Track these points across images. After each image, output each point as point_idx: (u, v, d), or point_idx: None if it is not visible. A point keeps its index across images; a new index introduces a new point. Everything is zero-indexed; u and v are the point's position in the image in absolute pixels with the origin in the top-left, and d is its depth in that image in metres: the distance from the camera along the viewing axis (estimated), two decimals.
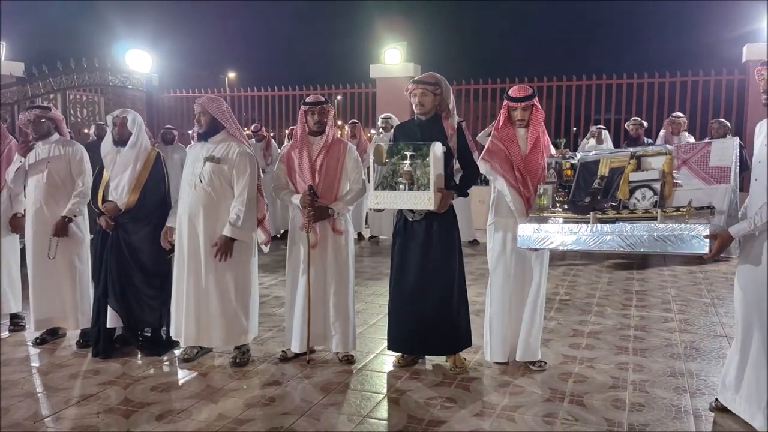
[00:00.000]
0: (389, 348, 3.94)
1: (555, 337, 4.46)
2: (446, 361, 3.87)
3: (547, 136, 3.78)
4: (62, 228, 4.22)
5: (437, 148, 3.52)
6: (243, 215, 3.73)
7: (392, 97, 10.77)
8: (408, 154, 3.55)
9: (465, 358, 3.88)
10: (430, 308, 3.74)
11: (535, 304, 3.75)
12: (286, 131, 9.50)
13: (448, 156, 3.67)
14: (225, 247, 3.73)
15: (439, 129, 3.71)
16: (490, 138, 3.75)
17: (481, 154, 3.71)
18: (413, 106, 3.75)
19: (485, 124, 9.19)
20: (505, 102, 3.69)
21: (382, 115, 8.95)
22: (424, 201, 3.53)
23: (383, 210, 3.83)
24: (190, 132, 9.42)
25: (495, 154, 3.66)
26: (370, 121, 11.22)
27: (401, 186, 3.58)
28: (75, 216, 4.26)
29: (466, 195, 3.83)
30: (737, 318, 3.02)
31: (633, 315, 5.08)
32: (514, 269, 3.72)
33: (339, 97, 11.71)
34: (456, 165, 3.83)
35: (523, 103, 3.63)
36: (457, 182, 3.80)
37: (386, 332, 3.97)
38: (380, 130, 8.75)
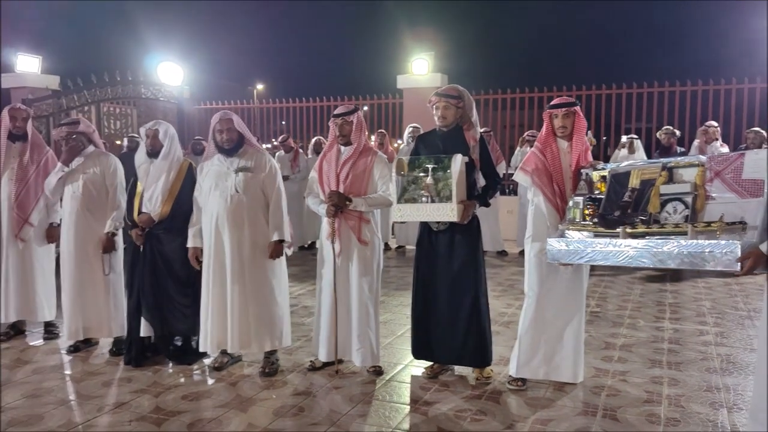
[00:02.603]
0: (414, 356, 3.95)
1: (587, 349, 4.35)
2: (472, 372, 3.84)
3: (588, 152, 3.72)
4: (109, 244, 4.33)
5: (458, 160, 3.53)
6: (284, 218, 3.90)
7: (419, 108, 10.73)
8: (429, 167, 3.57)
9: (492, 370, 3.83)
10: (455, 317, 3.73)
11: (576, 321, 3.63)
12: (311, 142, 9.54)
13: (470, 167, 3.68)
14: (278, 251, 3.90)
15: (461, 140, 3.71)
16: (531, 149, 3.71)
17: (521, 165, 3.68)
18: (435, 118, 3.76)
19: (513, 134, 9.13)
20: (546, 111, 3.65)
21: (410, 127, 8.87)
22: (447, 213, 3.55)
23: (405, 222, 3.85)
24: (204, 143, 9.59)
25: (535, 166, 3.59)
26: (396, 131, 11.24)
27: (423, 198, 3.61)
28: (117, 230, 4.35)
29: (488, 205, 3.82)
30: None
31: (666, 327, 4.98)
32: (551, 285, 3.59)
33: (365, 108, 11.77)
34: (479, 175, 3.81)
35: (564, 109, 3.57)
36: (479, 192, 3.79)
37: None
38: (410, 140, 8.71)
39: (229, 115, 3.95)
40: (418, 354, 3.93)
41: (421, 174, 3.62)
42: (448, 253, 3.74)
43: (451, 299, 3.74)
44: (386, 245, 9.09)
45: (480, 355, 3.77)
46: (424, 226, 3.84)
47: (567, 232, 3.36)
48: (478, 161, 3.73)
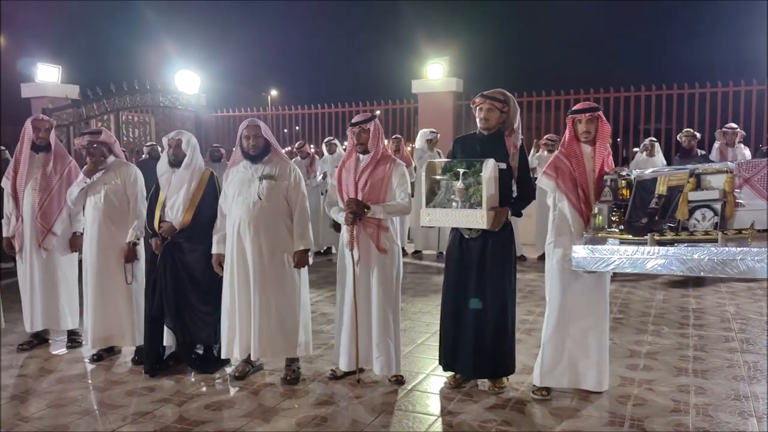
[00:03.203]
0: (443, 367, 3.89)
1: (611, 357, 4.28)
2: (486, 384, 3.80)
3: (610, 157, 3.67)
4: (131, 253, 4.36)
5: (492, 165, 3.47)
6: (309, 226, 3.93)
7: (434, 113, 10.77)
8: (461, 171, 3.51)
9: (506, 379, 3.80)
10: (483, 328, 3.67)
11: (599, 329, 3.59)
12: (323, 145, 9.56)
13: (507, 174, 3.61)
14: (304, 260, 3.92)
15: (500, 146, 3.65)
16: (555, 154, 3.67)
17: (544, 169, 3.60)
18: (477, 120, 3.71)
19: (530, 137, 9.07)
20: (569, 117, 3.60)
21: (429, 132, 8.79)
22: (477, 219, 3.48)
23: (433, 227, 3.81)
24: (222, 150, 9.64)
25: (560, 171, 3.53)
26: (412, 136, 11.24)
27: (454, 204, 3.55)
28: (138, 239, 4.38)
29: (520, 215, 3.76)
30: None
31: (691, 334, 4.90)
32: (574, 292, 3.54)
33: (378, 112, 11.78)
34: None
35: (588, 114, 3.53)
36: (514, 200, 3.72)
37: (436, 351, 3.92)
38: (426, 144, 8.66)
39: (257, 122, 3.98)
40: (446, 366, 3.87)
41: (452, 178, 3.55)
42: (479, 262, 3.67)
43: (481, 310, 3.67)
44: (402, 250, 9.06)
45: (503, 365, 3.74)
46: (456, 233, 3.78)
47: (598, 238, 3.31)
48: (516, 169, 3.67)
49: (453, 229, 3.80)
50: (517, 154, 3.66)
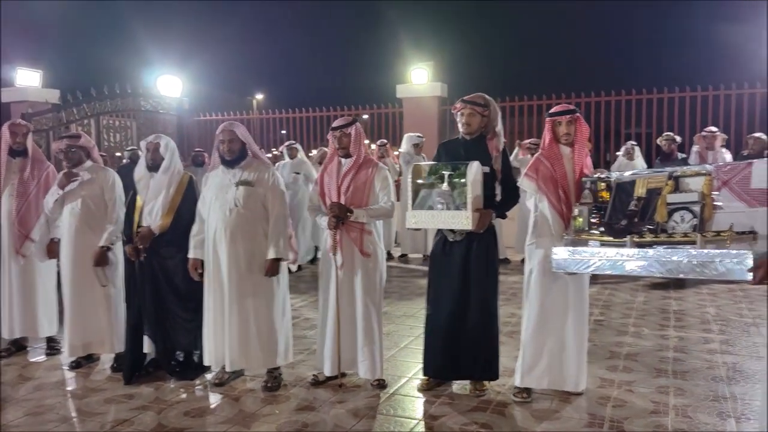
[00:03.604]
0: (425, 373, 3.88)
1: (591, 359, 4.33)
2: (468, 384, 3.81)
3: (589, 158, 3.71)
4: (102, 257, 4.30)
5: (476, 168, 3.50)
6: (284, 235, 3.81)
7: (419, 117, 10.79)
8: (446, 173, 3.54)
9: (487, 382, 3.80)
10: (468, 331, 3.69)
11: (579, 330, 3.61)
12: (316, 153, 9.50)
13: (491, 177, 3.65)
14: (274, 269, 3.83)
15: (483, 149, 3.69)
16: (536, 156, 3.69)
17: (525, 171, 3.63)
18: (459, 125, 3.73)
19: (512, 141, 9.12)
20: (549, 119, 3.63)
21: (416, 137, 8.78)
22: (462, 221, 3.51)
23: (419, 229, 3.82)
24: (205, 154, 9.57)
25: (541, 172, 3.56)
26: (397, 140, 11.25)
27: (439, 206, 3.57)
28: (113, 244, 4.33)
29: (504, 217, 3.79)
30: None
31: (671, 336, 4.94)
32: (553, 293, 3.57)
33: (365, 117, 11.78)
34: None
35: (567, 116, 3.57)
36: (498, 203, 3.75)
37: (419, 355, 3.92)
38: (411, 148, 8.64)
39: (233, 126, 3.90)
40: (430, 371, 3.85)
41: (437, 181, 3.58)
42: (463, 264, 3.69)
43: (465, 311, 3.69)
44: (389, 254, 9.06)
45: (489, 368, 3.74)
46: (440, 236, 3.80)
47: (579, 240, 3.33)
48: (499, 171, 3.70)
49: (437, 232, 3.81)
50: (499, 157, 3.70)
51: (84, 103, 9.84)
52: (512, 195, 3.78)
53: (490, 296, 3.72)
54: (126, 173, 4.86)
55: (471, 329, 3.69)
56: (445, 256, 3.75)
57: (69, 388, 4.03)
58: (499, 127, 3.73)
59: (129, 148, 9.76)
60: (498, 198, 3.74)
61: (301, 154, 8.89)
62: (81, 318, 4.34)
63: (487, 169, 3.60)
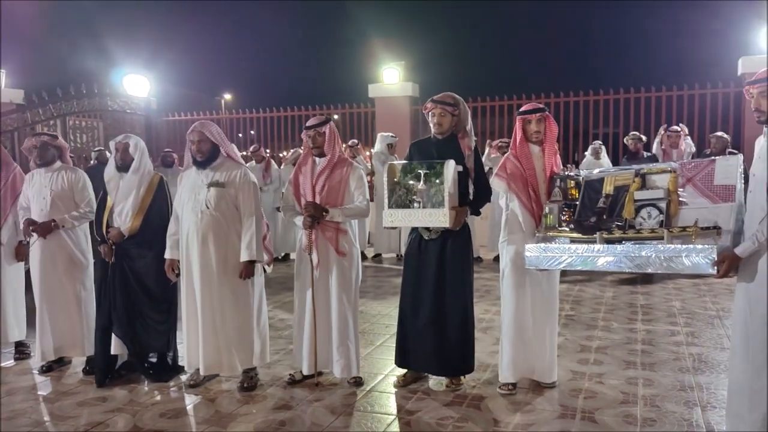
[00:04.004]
0: (398, 364, 3.92)
1: (563, 353, 4.44)
2: (443, 379, 3.86)
3: (558, 156, 3.79)
4: (45, 229, 4.21)
5: (452, 166, 3.55)
6: (256, 237, 3.76)
7: (391, 116, 10.85)
8: (422, 172, 3.57)
9: (463, 377, 3.86)
10: (444, 326, 3.73)
11: (551, 322, 3.72)
12: (289, 154, 9.46)
13: (464, 175, 3.69)
14: (248, 272, 3.78)
15: (455, 148, 3.73)
16: (506, 155, 3.76)
17: (496, 171, 3.70)
18: (431, 125, 3.78)
19: (483, 141, 9.22)
20: (519, 118, 3.70)
21: (389, 137, 8.82)
22: (440, 218, 3.55)
23: (396, 228, 3.84)
24: (174, 155, 9.48)
25: (510, 171, 3.63)
26: (370, 140, 11.28)
27: (416, 204, 3.61)
28: (64, 226, 4.25)
29: (478, 213, 3.84)
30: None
31: (639, 329, 5.07)
32: (526, 288, 3.65)
33: (336, 117, 11.78)
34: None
35: (537, 115, 3.64)
36: (471, 200, 3.79)
37: (394, 352, 3.95)
38: (385, 147, 8.68)
39: (203, 126, 3.85)
40: (401, 362, 3.90)
41: (413, 180, 3.62)
42: (438, 262, 3.73)
43: (441, 308, 3.74)
44: (362, 254, 9.09)
45: (464, 363, 3.79)
46: (415, 234, 3.84)
47: (550, 237, 3.40)
48: (472, 170, 3.75)
49: (412, 230, 3.85)
50: (472, 156, 3.75)
51: (50, 103, 9.62)
52: (485, 192, 3.84)
53: (466, 292, 3.77)
54: (94, 175, 4.79)
55: (447, 325, 3.73)
56: (421, 253, 3.79)
57: (41, 393, 3.96)
58: (470, 126, 3.79)
59: (96, 148, 9.59)
60: (471, 196, 3.79)
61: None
62: (51, 321, 4.27)
63: (460, 167, 3.65)
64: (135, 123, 10.99)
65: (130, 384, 4.00)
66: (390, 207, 3.69)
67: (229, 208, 3.81)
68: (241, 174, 3.85)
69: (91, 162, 9.42)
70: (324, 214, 3.75)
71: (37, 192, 4.31)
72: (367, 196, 3.92)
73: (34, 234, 4.23)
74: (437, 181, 3.53)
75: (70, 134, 10.08)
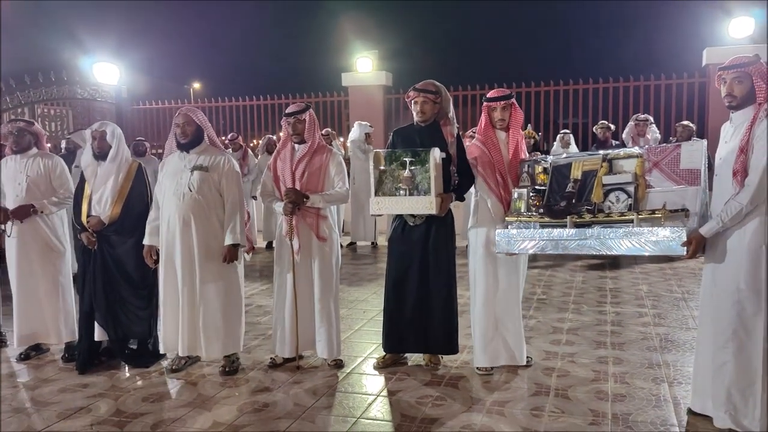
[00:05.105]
0: (385, 350, 3.99)
1: (536, 334, 4.59)
2: (423, 358, 3.97)
3: (523, 142, 3.89)
4: (23, 213, 4.18)
5: (437, 154, 3.61)
6: (239, 221, 3.81)
7: (365, 105, 10.88)
8: (407, 160, 3.63)
9: (440, 356, 3.97)
10: (430, 308, 3.83)
11: (517, 305, 3.84)
12: (262, 141, 9.46)
13: (447, 162, 3.75)
14: (232, 255, 3.82)
15: (438, 136, 3.79)
16: (473, 141, 3.85)
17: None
18: (414, 114, 3.83)
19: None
20: (485, 104, 3.78)
21: (365, 125, 8.86)
22: (426, 205, 3.61)
23: (380, 215, 3.89)
24: (147, 144, 9.39)
25: (478, 157, 3.74)
26: (344, 129, 11.31)
27: (401, 192, 3.66)
28: (42, 211, 4.23)
29: (462, 199, 3.92)
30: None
31: (609, 311, 5.25)
32: (495, 272, 3.76)
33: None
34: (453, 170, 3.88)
35: (502, 102, 3.72)
36: (455, 186, 3.86)
37: (374, 336, 4.03)
38: (362, 134, 8.72)
39: (191, 111, 3.92)
40: (390, 348, 3.97)
41: (399, 167, 3.67)
42: (423, 247, 3.81)
43: (426, 291, 3.83)
44: None
45: (449, 343, 3.89)
46: (400, 221, 3.90)
47: (515, 222, 3.50)
48: (455, 156, 3.81)
49: (396, 217, 3.92)
50: (455, 143, 3.82)
51: (17, 91, 9.45)
52: (468, 178, 3.90)
53: (450, 275, 3.87)
54: (65, 163, 4.74)
55: (432, 306, 3.83)
56: (405, 239, 3.86)
57: (20, 380, 3.95)
58: (452, 113, 3.85)
59: (67, 135, 9.45)
60: (455, 181, 3.87)
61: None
62: (27, 308, 4.26)
63: (444, 154, 3.72)
64: (105, 111, 10.85)
65: (110, 370, 4.02)
66: (377, 195, 3.74)
67: (211, 192, 3.85)
68: (225, 160, 3.91)
69: (61, 151, 9.26)
70: (305, 200, 3.80)
71: (11, 178, 4.27)
72: (347, 183, 3.98)
73: (9, 222, 4.19)
74: (422, 168, 3.59)
75: (38, 122, 9.88)
